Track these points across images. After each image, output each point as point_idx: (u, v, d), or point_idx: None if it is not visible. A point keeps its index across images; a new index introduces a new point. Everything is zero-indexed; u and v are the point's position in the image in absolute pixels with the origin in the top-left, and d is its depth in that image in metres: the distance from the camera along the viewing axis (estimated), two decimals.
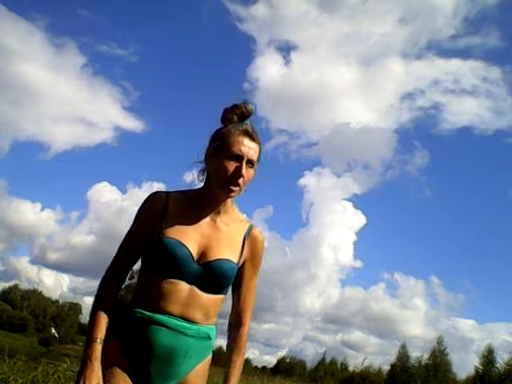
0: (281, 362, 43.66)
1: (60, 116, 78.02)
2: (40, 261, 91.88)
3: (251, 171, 1.48)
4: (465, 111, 67.52)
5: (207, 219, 1.51)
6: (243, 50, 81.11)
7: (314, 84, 75.09)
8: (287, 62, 75.94)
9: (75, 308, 66.18)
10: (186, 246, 1.43)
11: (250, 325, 1.57)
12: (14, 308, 59.36)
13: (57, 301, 66.81)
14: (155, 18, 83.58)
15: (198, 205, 1.51)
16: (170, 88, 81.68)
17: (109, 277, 1.48)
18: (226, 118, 1.53)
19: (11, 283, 66.27)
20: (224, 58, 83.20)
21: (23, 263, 76.48)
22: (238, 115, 1.52)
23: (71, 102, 76.33)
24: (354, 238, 57.33)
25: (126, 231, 1.51)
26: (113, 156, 75.34)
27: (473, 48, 70.73)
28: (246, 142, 1.47)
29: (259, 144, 1.51)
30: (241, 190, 1.48)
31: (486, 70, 62.99)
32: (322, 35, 72.13)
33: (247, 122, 1.52)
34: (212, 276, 1.44)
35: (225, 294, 1.51)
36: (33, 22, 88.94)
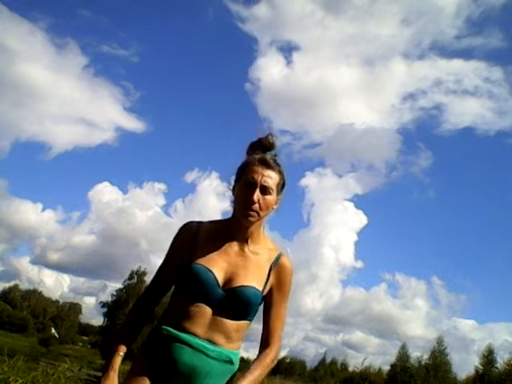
0: (281, 362, 43.67)
1: (61, 116, 77.86)
2: (41, 261, 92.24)
3: (268, 198, 1.52)
4: (467, 112, 67.57)
5: (235, 247, 1.56)
6: (245, 50, 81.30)
7: (315, 84, 75.01)
8: (289, 62, 75.95)
9: (75, 308, 66.20)
10: (212, 272, 1.48)
11: (278, 350, 1.57)
12: (14, 308, 59.39)
13: (57, 301, 66.97)
14: (157, 18, 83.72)
15: (227, 234, 1.57)
16: (171, 88, 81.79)
17: (142, 297, 1.61)
18: (250, 150, 1.60)
19: (12, 283, 66.41)
20: (226, 59, 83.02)
21: (24, 263, 76.48)
22: (260, 148, 1.58)
23: (72, 102, 76.12)
24: (355, 238, 57.20)
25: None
26: (114, 156, 75.16)
27: (475, 48, 70.94)
28: (260, 169, 1.52)
29: (279, 172, 1.55)
30: (259, 216, 1.52)
31: (489, 71, 63.23)
32: (323, 36, 72.10)
33: (271, 153, 1.58)
34: (235, 302, 1.48)
35: (249, 320, 1.54)
36: (34, 23, 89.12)
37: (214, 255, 1.52)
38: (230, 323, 1.48)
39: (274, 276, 1.56)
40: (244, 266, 1.52)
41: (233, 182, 1.60)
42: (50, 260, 79.52)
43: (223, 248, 1.54)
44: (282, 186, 1.58)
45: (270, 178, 1.52)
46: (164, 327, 1.49)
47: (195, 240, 1.55)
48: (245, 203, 1.50)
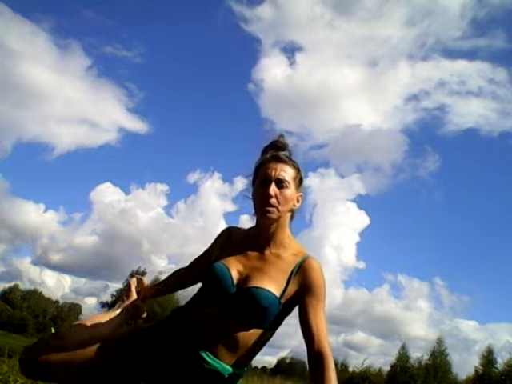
0: (281, 362, 43.59)
1: (64, 117, 76.53)
2: (42, 262, 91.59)
3: (285, 191, 1.48)
4: (470, 113, 67.28)
5: (256, 251, 1.51)
6: (248, 51, 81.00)
7: (319, 85, 74.53)
8: (292, 63, 75.44)
9: (75, 308, 66.16)
10: (229, 271, 1.44)
11: (332, 355, 1.34)
12: (14, 308, 59.41)
13: (57, 301, 66.96)
14: (160, 19, 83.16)
15: (252, 238, 1.53)
16: (174, 89, 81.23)
17: (180, 269, 1.81)
18: (263, 154, 1.59)
19: (12, 284, 66.38)
20: (229, 59, 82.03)
21: (25, 264, 76.06)
22: (273, 149, 1.57)
23: (75, 103, 74.82)
24: (356, 238, 57.06)
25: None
26: (116, 157, 74.48)
27: (479, 49, 70.23)
28: (273, 164, 1.50)
29: (293, 167, 1.52)
30: (278, 210, 1.46)
31: (493, 72, 62.67)
32: (326, 37, 71.79)
33: (285, 152, 1.57)
34: (245, 303, 1.38)
35: (265, 328, 1.41)
36: (37, 24, 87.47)
37: (232, 258, 1.49)
38: (241, 329, 1.38)
39: (297, 280, 1.44)
40: (261, 268, 1.45)
41: (251, 189, 1.56)
42: (52, 261, 78.88)
43: (244, 251, 1.51)
44: (299, 180, 1.54)
45: (285, 171, 1.49)
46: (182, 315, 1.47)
47: (226, 243, 1.57)
48: (261, 199, 1.46)
